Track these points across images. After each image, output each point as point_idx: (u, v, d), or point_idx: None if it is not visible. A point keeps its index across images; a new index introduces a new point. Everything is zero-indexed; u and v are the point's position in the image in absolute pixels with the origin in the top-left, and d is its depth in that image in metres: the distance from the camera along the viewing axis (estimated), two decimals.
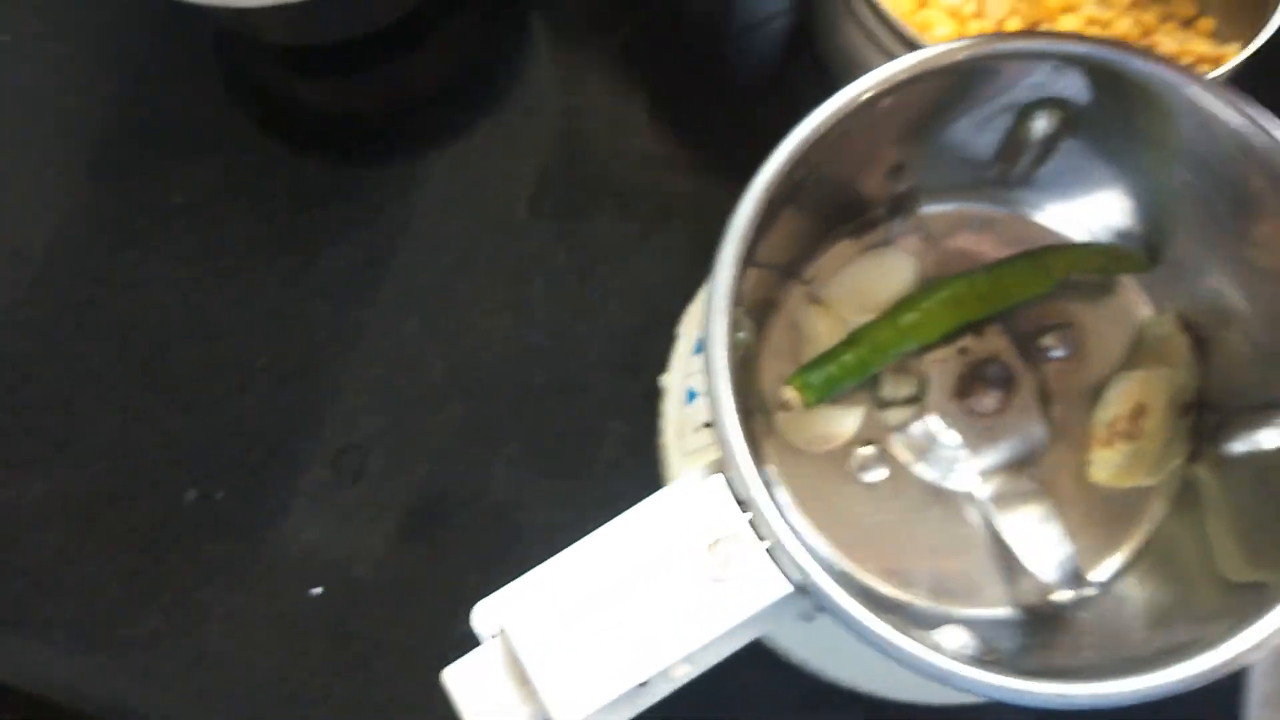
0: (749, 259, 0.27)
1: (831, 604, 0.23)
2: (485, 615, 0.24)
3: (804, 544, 0.24)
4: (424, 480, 0.36)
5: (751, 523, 0.24)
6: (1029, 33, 0.26)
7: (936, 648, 0.24)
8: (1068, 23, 0.36)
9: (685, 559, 0.23)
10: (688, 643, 0.23)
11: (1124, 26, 0.38)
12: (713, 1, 0.41)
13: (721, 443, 0.24)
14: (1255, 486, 0.28)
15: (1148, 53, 0.26)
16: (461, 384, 0.37)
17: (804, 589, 0.23)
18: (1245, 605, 0.24)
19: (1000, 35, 0.26)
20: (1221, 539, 0.29)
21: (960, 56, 0.26)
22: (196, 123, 0.41)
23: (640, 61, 0.41)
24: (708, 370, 0.25)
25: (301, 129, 0.41)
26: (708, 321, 0.25)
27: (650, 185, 0.39)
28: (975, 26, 0.36)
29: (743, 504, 0.24)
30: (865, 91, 0.26)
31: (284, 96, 0.42)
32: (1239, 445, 0.29)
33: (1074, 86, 0.28)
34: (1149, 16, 0.38)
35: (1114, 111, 0.28)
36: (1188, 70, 0.26)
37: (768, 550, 0.24)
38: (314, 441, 0.37)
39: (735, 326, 0.27)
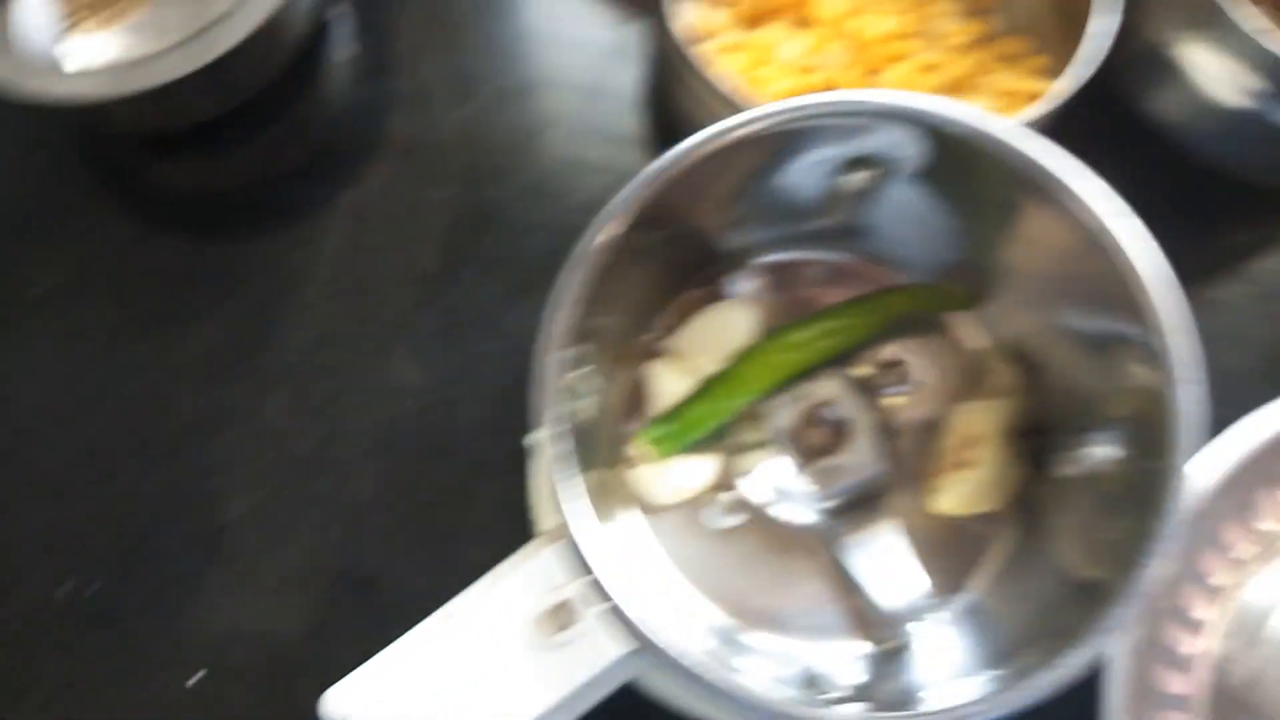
0: (585, 323, 0.28)
1: (668, 662, 0.23)
2: (334, 702, 0.24)
3: (645, 602, 0.25)
4: (297, 557, 0.35)
5: (588, 585, 0.24)
6: (836, 94, 0.27)
7: (788, 693, 0.25)
8: (901, 69, 0.38)
9: (526, 627, 0.24)
10: (528, 712, 0.23)
11: (959, 69, 0.39)
12: (563, 67, 0.42)
13: (558, 508, 0.25)
14: (1092, 499, 0.30)
15: (945, 102, 0.27)
16: (330, 456, 0.36)
17: (646, 644, 0.24)
18: (1089, 605, 0.26)
19: (809, 99, 0.27)
20: (1065, 549, 0.30)
21: (767, 123, 0.27)
22: (55, 211, 0.41)
23: (497, 126, 0.41)
24: (542, 436, 0.25)
25: (161, 211, 0.41)
26: (538, 386, 0.26)
27: (516, 248, 0.40)
28: (813, 80, 0.38)
29: (580, 567, 0.24)
30: (678, 160, 0.27)
31: (142, 179, 0.42)
32: (1073, 464, 0.30)
33: (889, 138, 0.29)
34: (985, 57, 0.40)
35: (931, 158, 0.29)
36: (984, 116, 0.27)
37: (605, 612, 0.24)
38: (185, 525, 0.36)
39: (576, 387, 0.28)
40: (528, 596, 0.24)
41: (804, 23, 0.38)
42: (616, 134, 0.41)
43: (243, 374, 0.38)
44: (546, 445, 0.25)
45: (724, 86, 0.33)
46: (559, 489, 0.24)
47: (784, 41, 0.38)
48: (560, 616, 0.24)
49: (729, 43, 0.38)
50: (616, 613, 0.24)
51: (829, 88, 0.38)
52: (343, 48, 0.42)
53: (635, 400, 0.33)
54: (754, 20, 0.38)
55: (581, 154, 0.41)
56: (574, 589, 0.24)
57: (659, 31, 0.35)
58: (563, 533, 0.25)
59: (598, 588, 0.24)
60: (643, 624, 0.23)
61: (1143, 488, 0.27)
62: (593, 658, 0.24)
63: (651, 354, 0.33)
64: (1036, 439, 0.31)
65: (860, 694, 0.30)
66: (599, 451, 0.32)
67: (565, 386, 0.26)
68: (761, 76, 0.37)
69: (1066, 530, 0.30)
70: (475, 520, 0.36)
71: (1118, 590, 0.25)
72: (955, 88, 0.39)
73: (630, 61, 0.42)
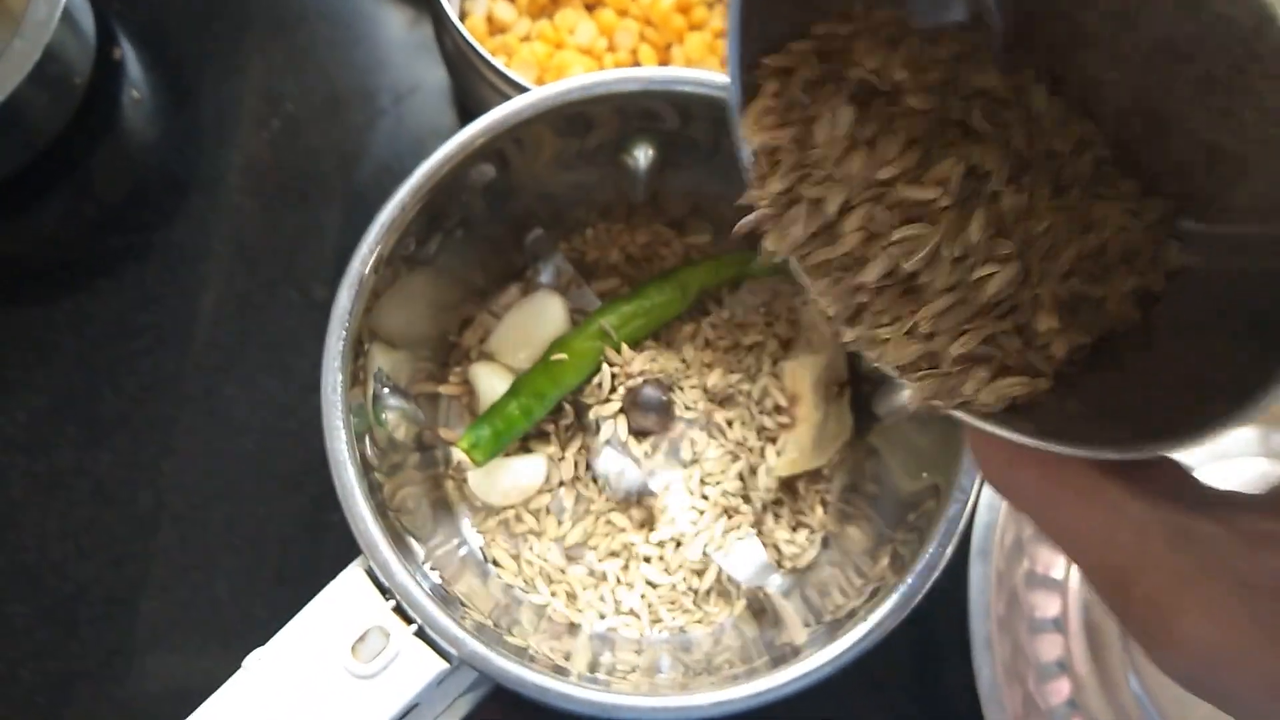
0: (388, 337, 0.27)
1: (489, 667, 0.23)
2: None
3: (469, 613, 0.25)
4: (148, 617, 0.34)
5: (396, 610, 0.24)
6: (597, 76, 0.27)
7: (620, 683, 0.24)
8: (695, 40, 0.38)
9: (342, 657, 0.23)
10: None
11: None
12: (366, 73, 0.41)
13: (355, 535, 0.24)
14: (910, 433, 0.30)
15: (695, 75, 0.27)
16: (171, 510, 0.35)
17: (461, 661, 0.23)
18: (925, 511, 0.26)
19: (571, 84, 0.27)
20: (898, 476, 0.30)
21: (527, 116, 0.27)
22: None
23: (308, 143, 0.40)
24: (331, 463, 0.25)
25: None
26: (324, 411, 0.25)
27: (338, 263, 0.39)
28: (609, 61, 0.37)
29: (386, 592, 0.24)
30: (445, 162, 0.26)
31: None
32: (889, 405, 0.31)
33: (659, 114, 0.29)
34: None
35: (698, 127, 0.29)
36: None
37: (416, 633, 0.24)
38: (27, 603, 0.35)
39: (377, 405, 0.27)
40: (329, 634, 0.23)
41: (596, 4, 0.38)
42: (434, 131, 0.40)
43: (71, 436, 0.36)
44: (336, 469, 0.24)
45: (519, 76, 0.32)
46: (353, 512, 0.24)
47: (576, 26, 0.37)
48: (363, 648, 0.23)
49: (525, 32, 0.38)
50: (426, 631, 0.23)
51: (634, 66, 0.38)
52: (133, 88, 0.40)
53: (466, 406, 0.32)
54: (546, 8, 0.38)
55: (398, 159, 0.40)
56: (378, 615, 0.24)
57: (445, 27, 0.34)
58: (368, 559, 0.24)
59: (406, 608, 0.24)
60: (452, 640, 0.23)
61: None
62: (406, 681, 0.23)
63: (479, 355, 0.32)
64: (861, 386, 0.32)
65: (738, 657, 0.29)
66: (435, 462, 0.32)
67: (358, 407, 0.26)
68: (560, 63, 0.37)
69: (898, 461, 0.31)
70: (328, 553, 0.35)
71: (945, 489, 0.26)
72: None
73: (436, 58, 0.41)
